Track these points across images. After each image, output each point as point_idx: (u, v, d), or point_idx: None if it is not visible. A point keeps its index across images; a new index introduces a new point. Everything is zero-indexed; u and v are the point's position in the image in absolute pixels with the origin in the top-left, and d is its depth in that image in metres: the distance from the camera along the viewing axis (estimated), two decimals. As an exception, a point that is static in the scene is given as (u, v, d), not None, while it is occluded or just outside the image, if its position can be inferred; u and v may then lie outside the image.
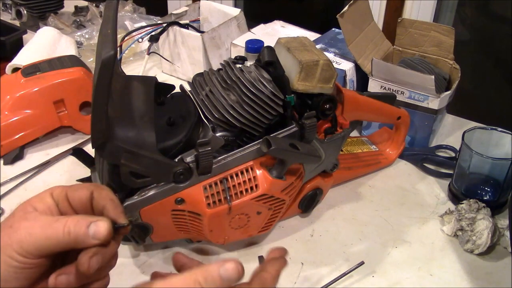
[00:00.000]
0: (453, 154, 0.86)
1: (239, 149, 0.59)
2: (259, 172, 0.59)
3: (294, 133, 0.62)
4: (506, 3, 2.02)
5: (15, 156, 0.82)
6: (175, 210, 0.59)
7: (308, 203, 0.70)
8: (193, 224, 0.61)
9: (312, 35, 0.98)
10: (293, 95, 0.63)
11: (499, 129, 0.74)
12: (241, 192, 0.59)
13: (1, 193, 0.75)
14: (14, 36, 1.07)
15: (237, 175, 0.59)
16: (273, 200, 0.61)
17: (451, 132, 0.92)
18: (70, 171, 0.81)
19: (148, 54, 1.04)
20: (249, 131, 0.62)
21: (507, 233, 0.68)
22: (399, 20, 0.92)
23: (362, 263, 0.63)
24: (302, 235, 0.70)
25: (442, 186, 0.79)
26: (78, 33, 1.14)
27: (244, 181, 0.59)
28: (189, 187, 0.58)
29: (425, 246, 0.69)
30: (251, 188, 0.59)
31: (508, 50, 1.90)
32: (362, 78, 0.86)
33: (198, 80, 0.65)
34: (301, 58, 0.62)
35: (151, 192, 0.57)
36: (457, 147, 0.76)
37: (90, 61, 1.05)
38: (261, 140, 0.59)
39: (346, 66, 0.86)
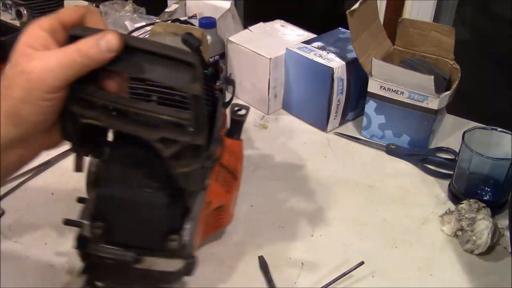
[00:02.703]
0: (453, 157, 0.86)
1: None
2: None
3: None
4: (506, 3, 2.02)
5: (15, 156, 0.82)
6: None
7: None
8: None
9: (312, 35, 0.98)
10: (210, 68, 0.56)
11: (499, 129, 0.74)
12: None
13: (1, 193, 0.75)
14: (14, 36, 1.07)
15: None
16: None
17: (451, 132, 0.92)
18: (70, 171, 0.80)
19: (148, 54, 1.04)
20: None
21: (507, 233, 0.68)
22: (399, 20, 0.92)
23: (362, 263, 0.63)
24: (302, 235, 0.70)
25: (442, 186, 0.79)
26: (78, 33, 1.13)
27: None
28: None
29: (425, 246, 0.69)
30: None
31: (508, 50, 1.91)
32: (362, 78, 0.86)
33: None
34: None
35: None
36: (457, 147, 0.76)
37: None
38: None
39: (335, 64, 0.85)
